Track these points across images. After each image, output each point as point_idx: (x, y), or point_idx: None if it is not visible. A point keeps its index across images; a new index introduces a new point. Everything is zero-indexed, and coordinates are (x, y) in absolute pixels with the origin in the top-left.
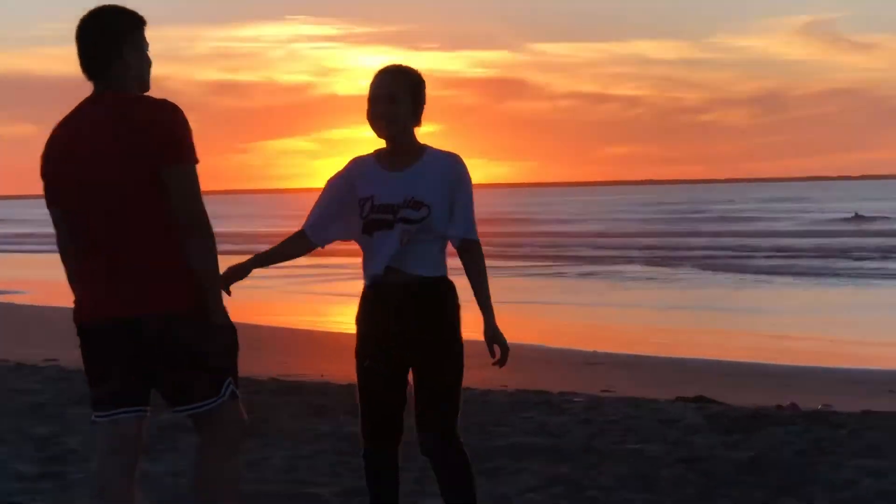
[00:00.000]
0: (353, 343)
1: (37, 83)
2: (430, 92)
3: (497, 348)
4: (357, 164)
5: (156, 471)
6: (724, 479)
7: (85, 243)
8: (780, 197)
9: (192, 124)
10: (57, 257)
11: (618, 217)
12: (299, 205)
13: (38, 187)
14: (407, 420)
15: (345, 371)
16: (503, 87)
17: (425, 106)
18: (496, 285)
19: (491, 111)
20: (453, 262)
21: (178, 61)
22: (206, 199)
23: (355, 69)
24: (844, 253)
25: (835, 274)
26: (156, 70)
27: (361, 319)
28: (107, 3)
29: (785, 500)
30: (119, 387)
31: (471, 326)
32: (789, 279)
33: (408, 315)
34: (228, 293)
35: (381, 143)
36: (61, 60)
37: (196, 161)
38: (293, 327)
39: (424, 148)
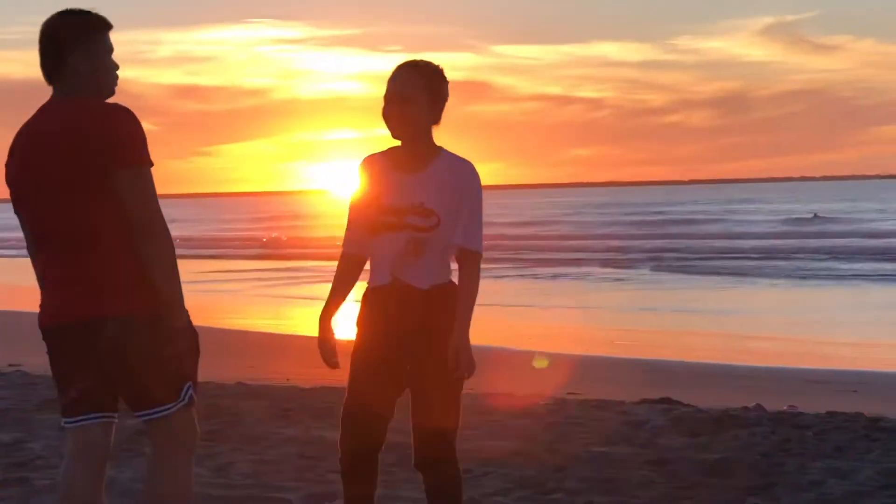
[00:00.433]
0: (316, 347)
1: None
2: None
3: (457, 359)
4: (367, 164)
5: (122, 477)
6: (691, 481)
7: (46, 247)
8: (744, 198)
9: (156, 127)
10: (21, 261)
11: (582, 219)
12: (262, 208)
13: (4, 191)
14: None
15: (311, 375)
16: (468, 90)
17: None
18: None
19: (456, 114)
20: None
21: (140, 64)
22: (170, 203)
23: (318, 72)
24: (805, 253)
25: (798, 275)
26: (119, 73)
27: (362, 322)
28: (67, 7)
29: (751, 502)
30: (84, 392)
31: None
32: (753, 280)
33: (410, 321)
34: (338, 365)
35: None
36: (23, 64)
37: (150, 164)
38: (259, 331)
39: (439, 151)
